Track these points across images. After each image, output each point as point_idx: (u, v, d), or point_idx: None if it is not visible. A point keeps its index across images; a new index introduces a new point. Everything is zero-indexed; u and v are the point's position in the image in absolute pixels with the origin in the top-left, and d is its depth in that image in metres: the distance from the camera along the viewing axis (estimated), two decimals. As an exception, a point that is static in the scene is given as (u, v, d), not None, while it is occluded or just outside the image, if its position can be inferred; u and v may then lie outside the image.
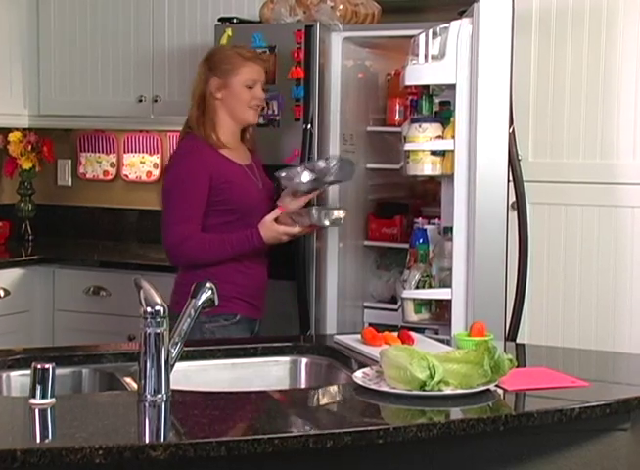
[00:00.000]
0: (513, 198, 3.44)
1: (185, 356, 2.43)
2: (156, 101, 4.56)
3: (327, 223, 3.38)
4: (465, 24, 3.20)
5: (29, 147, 4.98)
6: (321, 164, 3.35)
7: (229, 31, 3.89)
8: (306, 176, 3.30)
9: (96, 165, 5.15)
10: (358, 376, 2.32)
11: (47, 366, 2.05)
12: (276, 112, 3.83)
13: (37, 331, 4.43)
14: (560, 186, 3.74)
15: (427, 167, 3.29)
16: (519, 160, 3.42)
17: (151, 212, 4.81)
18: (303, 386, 2.74)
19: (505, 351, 2.75)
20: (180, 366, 2.30)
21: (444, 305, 3.35)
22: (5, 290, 4.30)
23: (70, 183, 5.23)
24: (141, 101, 4.59)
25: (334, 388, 2.48)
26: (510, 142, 3.26)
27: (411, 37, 3.32)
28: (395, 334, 2.70)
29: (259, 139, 3.55)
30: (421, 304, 3.43)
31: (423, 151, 3.29)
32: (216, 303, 2.30)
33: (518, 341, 3.43)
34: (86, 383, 2.54)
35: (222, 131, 3.34)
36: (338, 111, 3.86)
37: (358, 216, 4.10)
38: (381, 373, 2.29)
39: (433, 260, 3.45)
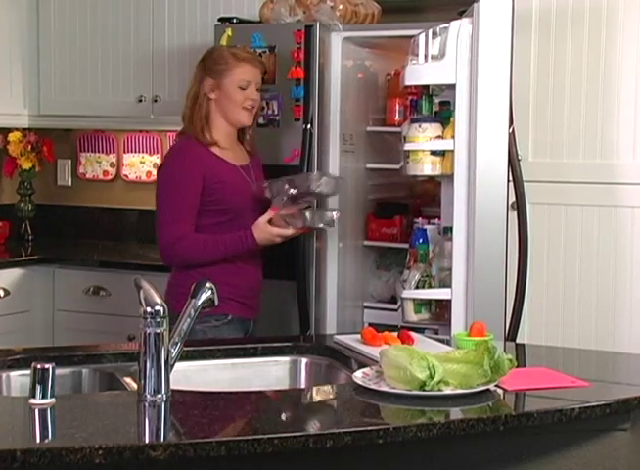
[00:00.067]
0: (513, 198, 3.44)
1: (185, 356, 2.43)
2: (155, 101, 4.56)
3: (320, 225, 3.40)
4: (465, 24, 3.20)
5: (29, 147, 4.99)
6: (303, 180, 3.34)
7: (229, 31, 3.89)
8: (289, 191, 3.30)
9: (96, 165, 5.15)
10: (358, 376, 2.32)
11: (47, 366, 2.05)
12: (276, 112, 3.83)
13: (37, 331, 4.43)
14: (560, 186, 3.74)
15: (426, 167, 3.29)
16: (519, 160, 3.42)
17: (151, 212, 4.74)
18: (303, 386, 2.74)
19: (505, 351, 2.75)
20: (180, 366, 2.30)
21: (444, 305, 3.35)
22: (5, 290, 4.30)
23: (70, 183, 5.23)
24: (141, 101, 4.59)
25: (333, 388, 2.48)
26: (510, 142, 3.26)
27: (411, 37, 3.32)
28: (395, 334, 2.70)
29: (259, 139, 3.55)
30: (421, 304, 3.43)
31: (423, 151, 3.29)
32: (216, 303, 2.31)
33: (518, 341, 3.43)
34: (86, 383, 2.54)
35: (216, 132, 3.35)
36: (337, 111, 3.86)
37: (358, 216, 4.10)
38: (381, 373, 2.29)
39: (432, 260, 3.45)
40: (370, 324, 3.83)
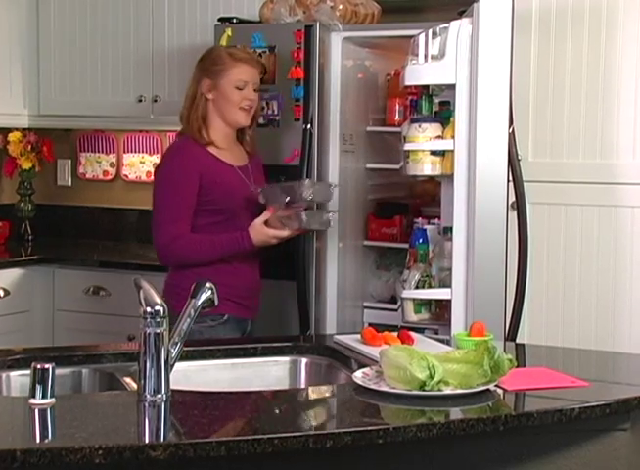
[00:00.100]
0: (513, 198, 3.44)
1: (185, 356, 2.43)
2: (155, 101, 4.56)
3: (316, 227, 3.40)
4: (465, 24, 3.20)
5: (29, 147, 4.99)
6: (295, 187, 3.33)
7: (229, 31, 3.89)
8: (281, 198, 3.30)
9: (96, 165, 5.15)
10: (358, 376, 2.32)
11: (47, 366, 2.05)
12: (276, 112, 3.83)
13: (37, 331, 4.43)
14: (560, 186, 3.74)
15: (426, 167, 3.29)
16: (518, 160, 3.42)
17: (151, 213, 4.80)
18: (303, 386, 2.74)
19: (505, 350, 2.75)
20: (180, 366, 2.30)
21: (444, 305, 3.35)
22: (5, 290, 4.30)
23: (70, 183, 5.23)
24: (141, 101, 4.59)
25: (333, 388, 2.48)
26: (510, 142, 3.26)
27: (411, 37, 3.32)
28: (395, 334, 2.70)
29: (259, 139, 3.55)
30: (421, 304, 3.43)
31: (422, 151, 3.29)
32: (216, 303, 2.31)
33: (517, 341, 3.43)
34: (86, 383, 2.54)
35: (214, 132, 3.36)
36: (337, 111, 3.86)
37: (358, 216, 4.10)
38: (380, 373, 2.29)
39: (432, 260, 3.45)
40: (370, 324, 3.83)
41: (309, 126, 3.74)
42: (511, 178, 3.37)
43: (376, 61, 4.17)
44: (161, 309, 2.13)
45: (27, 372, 2.09)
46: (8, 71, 4.75)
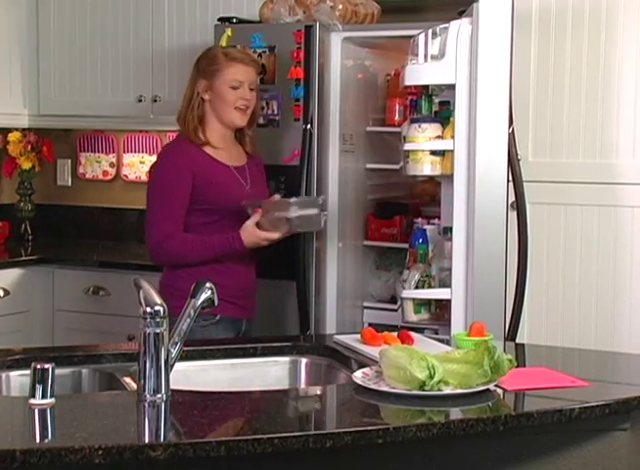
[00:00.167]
0: (512, 198, 3.44)
1: (185, 356, 2.43)
2: (155, 101, 4.56)
3: (306, 229, 3.37)
4: (464, 24, 3.20)
5: (29, 147, 4.98)
6: (280, 206, 3.30)
7: (229, 31, 3.89)
8: (265, 215, 3.28)
9: (95, 165, 5.15)
10: (358, 376, 2.32)
11: (47, 366, 2.05)
12: (276, 112, 3.83)
13: (37, 331, 4.43)
14: (559, 186, 3.74)
15: (426, 167, 3.29)
16: (518, 160, 3.42)
17: (150, 212, 4.81)
18: (303, 386, 2.74)
19: (505, 350, 2.75)
20: (180, 366, 2.30)
21: (444, 305, 3.35)
22: (5, 290, 4.30)
23: (70, 183, 5.23)
24: (140, 101, 4.59)
25: (333, 388, 2.48)
26: (509, 142, 3.26)
27: (411, 37, 3.32)
28: (395, 334, 2.70)
29: (259, 139, 3.55)
30: (420, 304, 3.43)
31: (422, 151, 3.29)
32: (216, 303, 2.31)
33: (517, 341, 3.43)
34: (86, 383, 2.54)
35: (210, 132, 3.37)
36: (337, 111, 3.86)
37: (358, 216, 4.10)
38: (380, 373, 2.29)
39: (432, 260, 3.45)
40: (370, 324, 3.83)
41: (309, 126, 3.74)
42: (511, 178, 3.37)
43: (376, 61, 4.17)
44: (161, 309, 2.13)
45: (27, 372, 2.09)
46: (8, 71, 4.74)
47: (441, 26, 3.23)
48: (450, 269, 3.26)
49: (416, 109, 3.64)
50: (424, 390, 2.17)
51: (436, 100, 3.49)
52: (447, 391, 2.19)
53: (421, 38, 3.23)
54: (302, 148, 3.72)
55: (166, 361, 2.14)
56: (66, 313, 4.43)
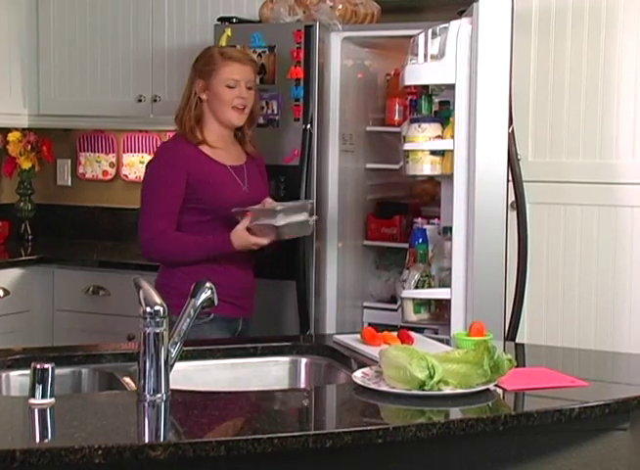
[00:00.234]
0: (512, 198, 3.44)
1: (184, 356, 2.44)
2: (155, 101, 4.56)
3: (294, 235, 3.37)
4: (464, 24, 3.20)
5: (29, 147, 4.99)
6: (267, 215, 3.27)
7: (228, 31, 3.89)
8: (254, 223, 3.27)
9: (95, 165, 5.15)
10: (358, 376, 2.32)
11: (46, 366, 2.05)
12: (275, 111, 3.83)
13: (37, 331, 4.43)
14: (559, 186, 3.74)
15: (426, 167, 3.29)
16: (518, 159, 3.42)
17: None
18: (303, 386, 2.74)
19: (504, 350, 2.75)
20: (180, 366, 2.30)
21: (444, 305, 3.35)
22: (5, 290, 4.30)
23: (70, 183, 5.23)
24: (140, 101, 4.59)
25: (333, 388, 2.48)
26: (509, 142, 3.26)
27: (410, 37, 3.32)
28: (395, 334, 2.70)
29: (259, 139, 3.55)
30: (420, 303, 3.43)
31: (422, 151, 3.29)
32: (216, 302, 2.31)
33: (517, 341, 3.42)
34: (86, 383, 2.54)
35: (208, 132, 3.37)
36: (337, 110, 3.86)
37: (358, 216, 4.10)
38: (380, 373, 2.29)
39: (432, 260, 3.45)
40: (370, 324, 3.83)
41: (309, 126, 3.74)
42: (510, 178, 3.37)
43: (375, 61, 4.17)
44: (161, 309, 2.13)
45: (27, 372, 2.09)
46: (8, 71, 4.74)
47: (441, 26, 3.23)
48: (450, 269, 3.26)
49: (416, 109, 3.64)
50: (424, 390, 2.17)
51: (436, 100, 3.49)
52: (447, 391, 2.19)
53: (421, 38, 3.23)
54: (302, 148, 3.72)
55: (166, 361, 2.14)
56: (65, 313, 4.43)
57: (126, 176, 5.08)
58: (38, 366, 2.05)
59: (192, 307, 2.26)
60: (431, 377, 2.17)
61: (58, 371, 2.12)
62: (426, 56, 3.22)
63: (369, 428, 2.01)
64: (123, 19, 4.62)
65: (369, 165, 4.10)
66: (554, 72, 3.72)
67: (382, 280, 4.16)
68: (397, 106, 4.05)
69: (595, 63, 3.67)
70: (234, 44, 3.83)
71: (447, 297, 3.26)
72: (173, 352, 2.20)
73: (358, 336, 2.74)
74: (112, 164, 5.11)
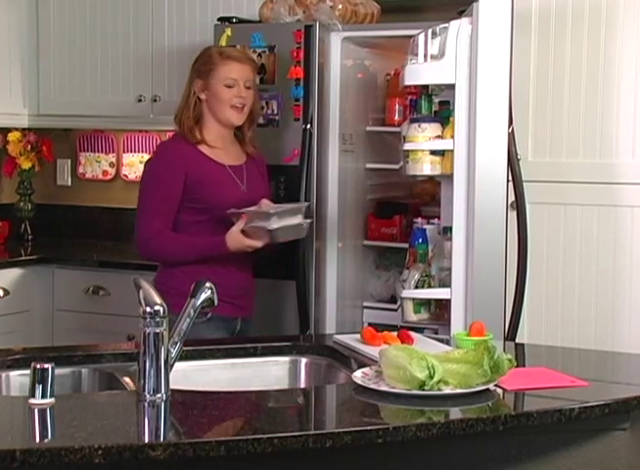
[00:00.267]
0: (512, 198, 3.44)
1: (184, 356, 2.43)
2: (155, 101, 4.56)
3: (288, 238, 3.36)
4: (464, 24, 3.20)
5: (29, 147, 4.98)
6: (261, 217, 3.26)
7: (228, 31, 3.89)
8: (248, 225, 3.27)
9: (95, 165, 5.15)
10: (358, 376, 2.32)
11: (46, 366, 2.05)
12: (275, 111, 3.83)
13: (37, 331, 4.43)
14: (559, 186, 3.74)
15: (426, 167, 3.29)
16: (518, 159, 3.42)
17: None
18: (303, 386, 2.74)
19: (504, 350, 2.75)
20: (180, 366, 2.30)
21: (444, 305, 3.35)
22: (5, 290, 4.30)
23: (70, 183, 5.23)
24: (140, 101, 4.59)
25: (333, 388, 2.48)
26: (509, 142, 3.26)
27: (410, 37, 3.32)
28: (395, 334, 2.70)
29: (259, 139, 3.55)
30: (420, 303, 3.43)
31: (422, 151, 3.29)
32: (216, 302, 2.31)
33: (517, 341, 3.42)
34: (85, 383, 2.54)
35: (207, 132, 3.37)
36: (337, 110, 3.86)
37: (358, 216, 4.10)
38: (380, 373, 2.29)
39: (432, 260, 3.45)
40: (369, 324, 3.83)
41: (309, 126, 3.74)
42: (510, 178, 3.37)
43: (375, 60, 4.17)
44: (161, 309, 2.13)
45: (27, 372, 2.09)
46: (8, 71, 4.74)
47: (441, 26, 3.23)
48: (450, 269, 3.26)
49: (416, 108, 3.64)
50: (423, 389, 2.17)
51: (436, 100, 3.49)
52: (447, 391, 2.19)
53: (421, 38, 3.23)
54: (302, 148, 3.72)
55: (166, 361, 2.14)
56: (65, 313, 4.43)
57: (126, 176, 5.08)
58: (38, 366, 2.05)
59: (192, 307, 2.26)
60: (431, 377, 2.17)
61: (58, 371, 2.12)
62: (426, 56, 3.22)
63: (369, 428, 2.01)
64: (123, 19, 4.63)
65: (369, 165, 4.10)
66: (554, 72, 3.73)
67: (382, 280, 4.16)
68: (397, 106, 4.05)
69: (595, 62, 3.67)
70: (234, 44, 3.83)
71: (447, 297, 3.26)
72: (173, 352, 2.19)
73: (358, 336, 2.74)
74: (112, 164, 5.11)
